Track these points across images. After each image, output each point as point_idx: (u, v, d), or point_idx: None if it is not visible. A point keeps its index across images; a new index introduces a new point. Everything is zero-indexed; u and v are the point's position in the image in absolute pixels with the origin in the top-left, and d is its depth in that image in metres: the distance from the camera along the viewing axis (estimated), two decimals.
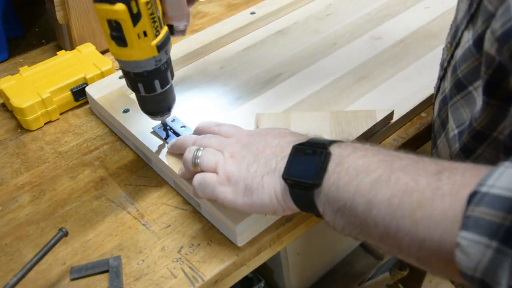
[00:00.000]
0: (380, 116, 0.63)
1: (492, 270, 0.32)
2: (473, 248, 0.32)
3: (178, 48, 0.77)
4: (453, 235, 0.34)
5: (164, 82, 0.54)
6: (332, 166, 0.42)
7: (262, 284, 1.10)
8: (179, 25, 0.57)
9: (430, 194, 0.36)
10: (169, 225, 0.57)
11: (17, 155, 0.67)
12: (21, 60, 0.85)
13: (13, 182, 0.63)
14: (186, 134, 0.59)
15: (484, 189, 0.33)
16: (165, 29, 0.52)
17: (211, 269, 0.53)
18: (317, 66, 0.75)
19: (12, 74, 0.73)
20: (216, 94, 0.72)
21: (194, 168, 0.51)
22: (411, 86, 0.70)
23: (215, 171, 0.50)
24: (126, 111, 0.66)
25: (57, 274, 0.53)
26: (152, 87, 0.54)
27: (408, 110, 0.66)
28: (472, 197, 0.33)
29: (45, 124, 0.71)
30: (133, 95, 0.72)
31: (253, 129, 0.53)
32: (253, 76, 0.74)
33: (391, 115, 0.64)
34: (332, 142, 0.44)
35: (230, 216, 0.53)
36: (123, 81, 0.71)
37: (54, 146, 0.68)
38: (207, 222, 0.57)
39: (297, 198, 0.44)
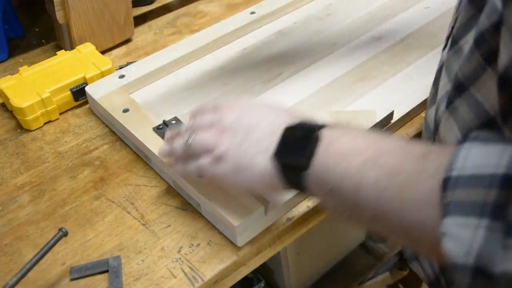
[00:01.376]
0: (380, 116, 0.63)
1: (486, 250, 0.31)
2: (462, 232, 0.31)
3: (178, 48, 0.77)
4: (435, 220, 0.34)
5: None
6: (321, 149, 0.42)
7: (262, 284, 1.10)
8: None
9: (415, 176, 0.36)
10: (169, 225, 0.57)
11: (17, 155, 0.67)
12: (21, 60, 0.84)
13: (13, 182, 0.63)
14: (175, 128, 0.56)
15: (455, 173, 0.33)
16: None
17: (211, 269, 0.53)
18: (317, 66, 0.75)
19: (12, 74, 0.73)
20: (216, 94, 0.72)
21: (186, 152, 0.51)
22: (411, 86, 0.70)
23: (207, 151, 0.49)
24: (125, 110, 0.66)
25: (57, 274, 0.53)
26: None
27: (408, 110, 0.66)
28: (446, 183, 0.33)
29: (45, 124, 0.71)
30: (133, 95, 0.72)
31: (248, 100, 0.53)
32: (253, 76, 0.74)
33: (391, 115, 0.64)
34: (322, 125, 0.44)
35: (230, 216, 0.53)
36: (123, 80, 0.72)
37: (54, 146, 0.68)
38: (207, 222, 0.57)
39: (287, 179, 0.45)
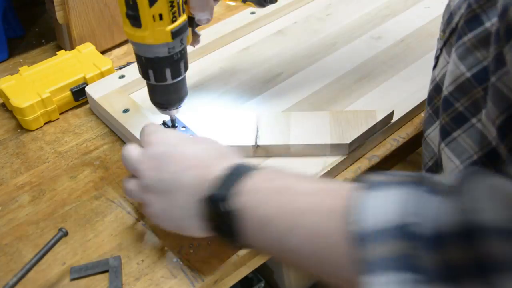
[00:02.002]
0: (380, 116, 0.63)
1: None
2: None
3: None
4: (353, 274, 0.34)
5: (176, 72, 0.53)
6: (244, 225, 0.43)
7: (262, 284, 1.09)
8: (201, 17, 0.56)
9: (331, 239, 0.37)
10: None
11: (17, 155, 0.67)
12: (21, 60, 0.84)
13: (13, 182, 0.63)
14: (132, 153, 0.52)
15: (363, 227, 0.34)
16: (183, 17, 0.51)
17: (211, 269, 0.53)
18: (317, 66, 0.75)
19: (12, 74, 0.73)
20: (216, 94, 0.72)
21: None
22: (411, 86, 0.70)
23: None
24: (126, 111, 0.66)
25: (57, 274, 0.53)
26: (163, 76, 0.53)
27: (408, 110, 0.66)
28: (356, 239, 0.34)
29: (45, 124, 0.71)
30: (133, 95, 0.72)
31: (159, 147, 0.50)
32: (253, 76, 0.74)
33: (391, 115, 0.64)
34: (233, 188, 0.43)
35: None
36: (123, 81, 0.72)
37: (54, 146, 0.68)
38: None
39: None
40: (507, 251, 0.30)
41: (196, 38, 0.61)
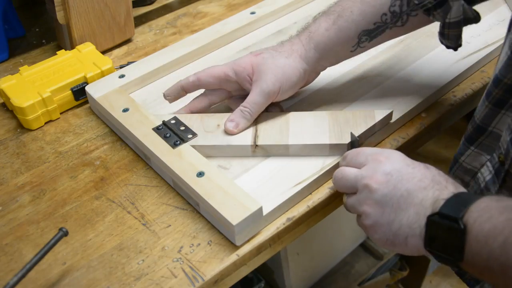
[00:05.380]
0: (379, 116, 0.63)
1: None
2: None
3: (178, 48, 0.78)
4: None
5: None
6: (468, 242, 0.44)
7: (262, 284, 1.10)
8: None
9: None
10: (169, 225, 0.57)
11: (17, 155, 0.67)
12: (21, 60, 0.85)
13: (13, 182, 0.64)
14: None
15: None
16: None
17: (211, 269, 0.53)
18: None
19: (13, 74, 0.73)
20: None
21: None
22: (411, 86, 0.71)
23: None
24: (125, 110, 0.66)
25: (57, 274, 0.54)
26: None
27: (407, 110, 0.66)
28: None
29: (45, 123, 0.71)
30: (132, 94, 0.72)
31: (398, 162, 0.53)
32: None
33: (390, 115, 0.64)
34: (464, 207, 0.45)
35: (228, 215, 0.53)
36: (123, 80, 0.72)
37: (54, 146, 0.68)
38: (207, 222, 0.57)
39: (442, 262, 0.48)
40: None
41: None
